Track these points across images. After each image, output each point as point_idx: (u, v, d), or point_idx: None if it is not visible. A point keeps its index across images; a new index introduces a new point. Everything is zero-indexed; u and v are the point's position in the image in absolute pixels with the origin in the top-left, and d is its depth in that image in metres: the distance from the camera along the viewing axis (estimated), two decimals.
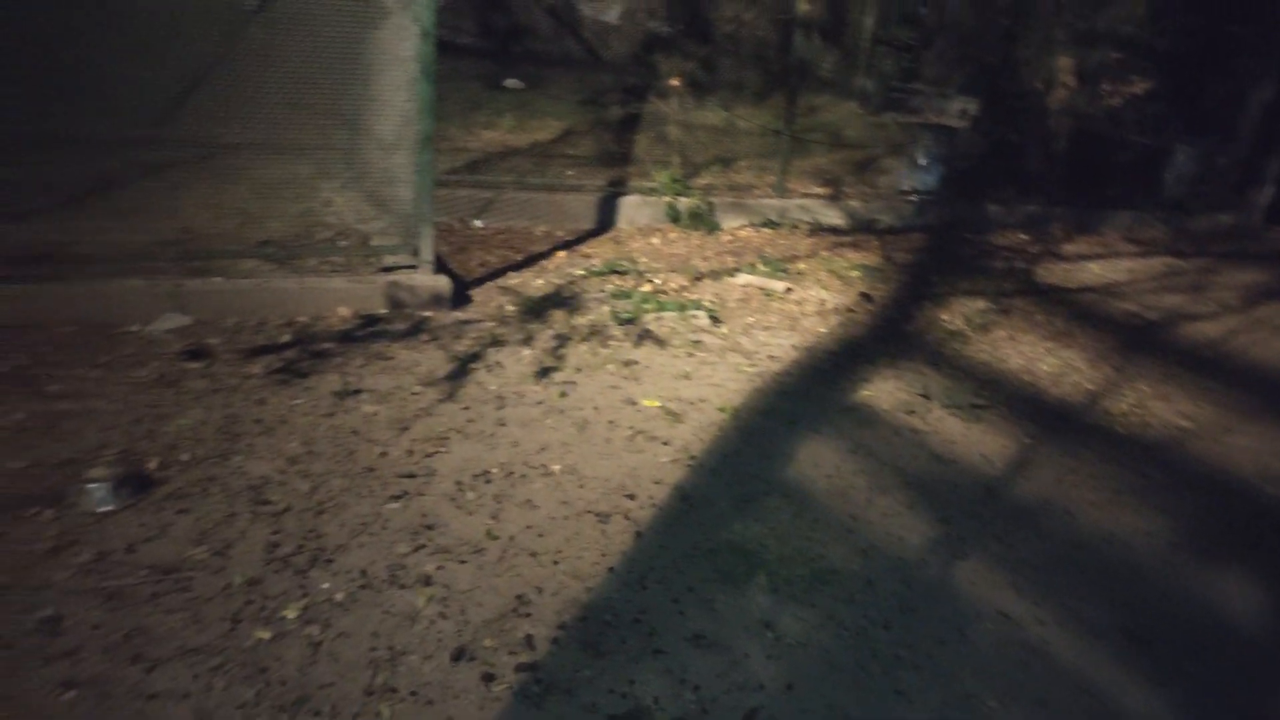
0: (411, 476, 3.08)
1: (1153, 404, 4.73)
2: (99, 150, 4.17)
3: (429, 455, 3.23)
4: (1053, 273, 7.18)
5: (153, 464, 2.92)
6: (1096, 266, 7.64)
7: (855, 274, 6.19)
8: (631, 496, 3.15)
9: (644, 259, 5.88)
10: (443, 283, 4.52)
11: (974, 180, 8.54)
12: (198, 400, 3.36)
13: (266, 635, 2.29)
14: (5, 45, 3.74)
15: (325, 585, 2.50)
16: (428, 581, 2.58)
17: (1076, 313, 6.16)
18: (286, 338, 3.98)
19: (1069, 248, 8.11)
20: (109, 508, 2.68)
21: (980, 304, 5.96)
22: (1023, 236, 8.24)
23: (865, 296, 5.74)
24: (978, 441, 3.96)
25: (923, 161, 8.36)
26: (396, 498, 2.95)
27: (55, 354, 3.55)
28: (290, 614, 2.37)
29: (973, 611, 2.79)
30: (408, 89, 4.26)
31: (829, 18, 7.94)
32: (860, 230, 7.44)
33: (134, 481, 2.77)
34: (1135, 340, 5.80)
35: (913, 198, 8.18)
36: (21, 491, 2.71)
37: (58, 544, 2.52)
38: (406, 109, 4.30)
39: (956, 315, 5.66)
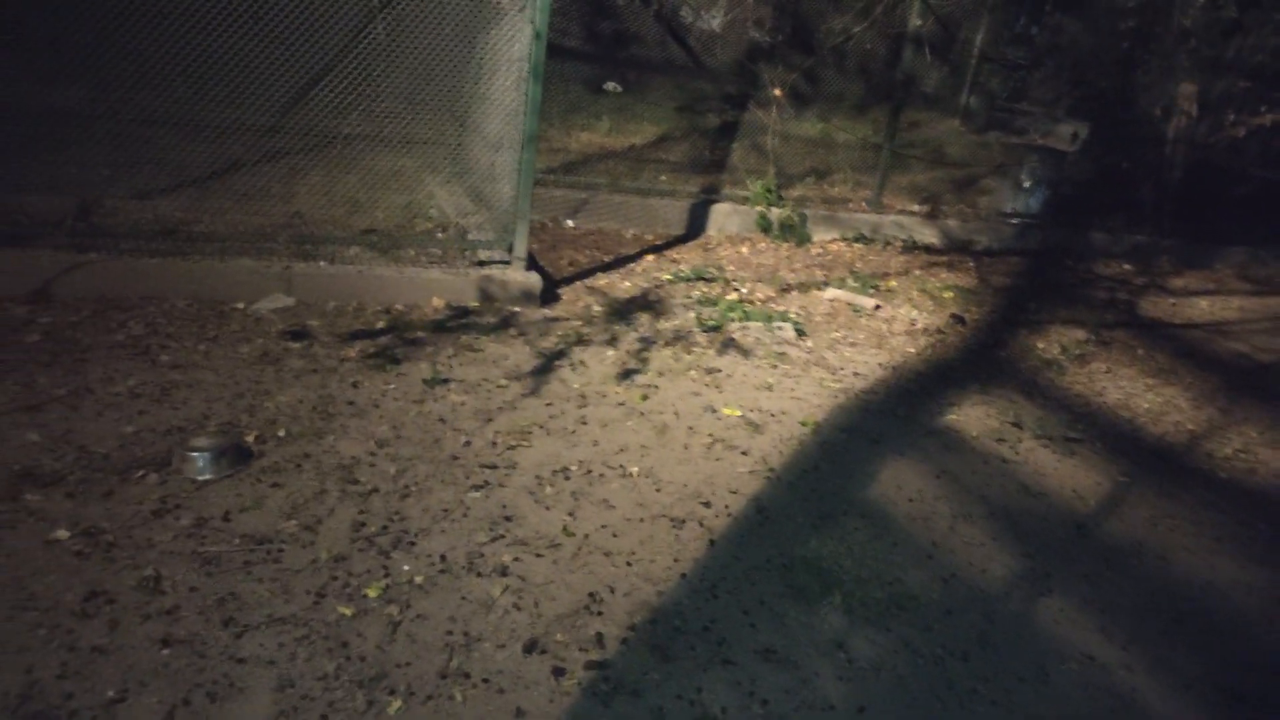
0: (493, 467, 3.14)
1: (1260, 451, 4.49)
2: (225, 136, 4.38)
3: (511, 448, 3.28)
4: (1158, 306, 6.88)
5: (251, 437, 3.05)
6: (1205, 303, 7.30)
7: (948, 295, 6.05)
8: (707, 504, 3.14)
9: (732, 267, 5.87)
10: (533, 280, 4.60)
11: (1080, 206, 8.25)
12: (296, 379, 3.50)
13: (349, 611, 2.37)
14: (143, 34, 3.95)
15: (406, 567, 2.57)
16: (504, 572, 2.62)
17: (1181, 350, 5.90)
18: (382, 324, 4.10)
19: (1177, 282, 7.76)
20: (209, 476, 2.80)
21: (1079, 334, 5.75)
22: (1128, 267, 7.92)
23: (957, 318, 5.60)
24: (1070, 476, 3.82)
25: (1026, 184, 8.12)
26: (478, 487, 3.01)
27: (169, 325, 3.74)
28: (372, 593, 2.44)
29: (1056, 651, 2.70)
30: (516, 89, 4.35)
31: (939, 33, 7.78)
32: (956, 251, 7.27)
33: (234, 453, 2.90)
34: (1244, 382, 5.52)
35: (1014, 220, 7.95)
36: (130, 455, 2.86)
37: (161, 507, 2.65)
38: (514, 108, 4.40)
39: (1053, 344, 5.48)
